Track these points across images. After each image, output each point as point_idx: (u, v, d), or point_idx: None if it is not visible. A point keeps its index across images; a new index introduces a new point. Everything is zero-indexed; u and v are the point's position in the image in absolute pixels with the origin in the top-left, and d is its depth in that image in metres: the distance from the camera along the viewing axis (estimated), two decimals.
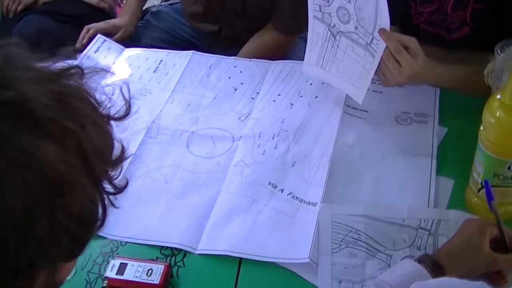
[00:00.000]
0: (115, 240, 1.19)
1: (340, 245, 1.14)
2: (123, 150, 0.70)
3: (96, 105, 0.67)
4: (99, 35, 1.72)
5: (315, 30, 1.39)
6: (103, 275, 1.10)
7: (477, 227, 1.03)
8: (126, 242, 1.18)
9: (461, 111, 1.39)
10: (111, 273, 1.09)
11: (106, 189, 0.68)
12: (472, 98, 1.30)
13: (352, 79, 1.37)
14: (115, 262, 1.11)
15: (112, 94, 0.70)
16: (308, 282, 1.09)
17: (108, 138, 0.68)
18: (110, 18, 2.02)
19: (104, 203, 0.67)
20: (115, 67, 1.61)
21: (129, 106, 0.73)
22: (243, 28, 1.83)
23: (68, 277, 1.10)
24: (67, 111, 0.61)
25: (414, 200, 1.21)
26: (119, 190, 0.71)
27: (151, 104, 1.49)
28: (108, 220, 1.13)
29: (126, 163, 0.71)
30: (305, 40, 1.93)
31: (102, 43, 1.69)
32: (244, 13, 1.81)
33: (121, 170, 0.70)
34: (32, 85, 0.59)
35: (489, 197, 1.05)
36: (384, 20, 1.25)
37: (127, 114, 0.72)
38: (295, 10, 1.70)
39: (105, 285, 1.09)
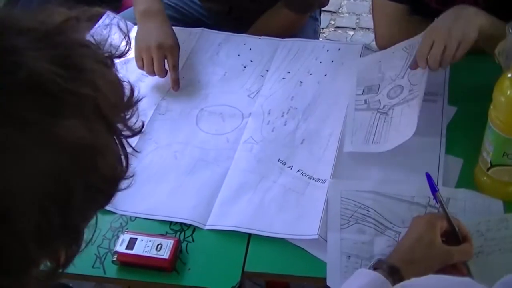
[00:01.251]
0: (125, 215, 1.19)
1: (349, 221, 1.15)
2: (132, 90, 0.70)
3: (99, 50, 0.66)
4: (108, 11, 1.71)
5: (357, 119, 1.34)
6: (113, 249, 1.11)
7: (426, 223, 1.03)
8: (136, 217, 1.19)
9: (470, 90, 1.38)
10: (120, 247, 1.10)
11: (123, 133, 0.68)
12: (482, 77, 1.29)
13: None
14: (125, 237, 1.12)
15: (109, 31, 0.69)
16: (317, 258, 1.10)
17: (118, 85, 0.67)
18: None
19: (125, 149, 0.68)
20: (124, 43, 1.60)
21: (128, 39, 0.72)
22: (254, 9, 1.81)
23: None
24: (78, 75, 0.60)
25: (423, 178, 1.21)
26: (135, 132, 0.71)
27: (160, 80, 1.48)
28: (118, 195, 1.14)
29: (138, 105, 0.70)
30: (313, 18, 1.93)
31: (112, 19, 1.69)
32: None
33: (133, 111, 0.70)
34: (37, 52, 0.58)
35: (433, 189, 1.07)
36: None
37: (127, 49, 0.72)
38: None
39: (114, 259, 1.10)
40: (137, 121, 0.70)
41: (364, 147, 1.28)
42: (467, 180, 1.21)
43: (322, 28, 3.00)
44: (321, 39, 2.62)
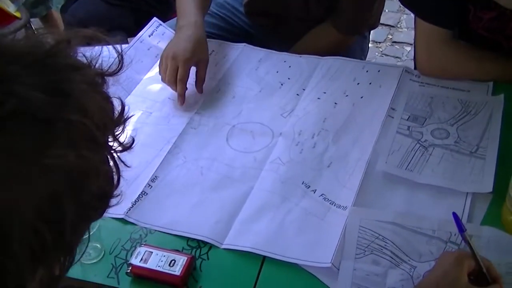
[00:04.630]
0: (145, 228, 1.22)
1: (365, 251, 1.13)
2: (122, 106, 0.71)
3: (90, 70, 0.67)
4: (155, 18, 1.75)
5: (396, 142, 1.34)
6: (129, 261, 1.14)
7: (454, 259, 1.00)
8: (155, 230, 1.21)
9: (502, 125, 1.35)
10: (135, 260, 1.12)
11: (115, 148, 0.70)
12: None
13: (461, 177, 1.26)
14: (141, 250, 1.14)
15: (101, 51, 0.71)
16: (327, 286, 1.09)
17: (107, 105, 0.69)
18: (165, 5, 2.02)
19: (117, 165, 0.70)
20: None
21: (122, 58, 0.73)
22: (301, 26, 1.81)
23: (95, 260, 1.15)
24: (67, 101, 0.62)
25: (448, 212, 1.17)
26: (126, 147, 0.72)
27: (196, 94, 1.50)
28: (141, 207, 1.16)
29: (128, 121, 0.72)
30: (362, 36, 1.91)
31: (157, 27, 1.72)
32: (306, 18, 1.79)
33: (124, 127, 0.72)
34: (28, 79, 0.60)
35: (460, 229, 1.04)
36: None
37: (120, 67, 0.73)
38: (358, 10, 1.68)
39: (128, 271, 1.12)
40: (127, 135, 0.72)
41: (397, 170, 1.27)
42: (494, 217, 1.17)
43: (379, 42, 2.97)
44: (376, 53, 2.59)
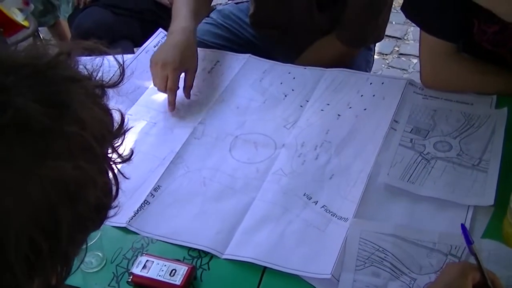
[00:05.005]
0: (147, 237, 1.22)
1: (365, 263, 1.13)
2: (122, 118, 0.72)
3: (89, 82, 0.68)
4: (160, 29, 1.76)
5: (399, 154, 1.34)
6: (130, 270, 1.14)
7: (458, 270, 1.00)
8: (157, 239, 1.22)
9: (505, 138, 1.35)
10: (136, 269, 1.13)
11: (113, 160, 0.71)
12: None
13: (463, 190, 1.26)
14: (142, 259, 1.14)
15: (102, 62, 0.71)
16: None
17: (106, 117, 0.69)
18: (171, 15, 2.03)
19: (116, 176, 0.71)
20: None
21: (123, 69, 0.74)
22: (306, 37, 1.81)
23: (96, 269, 1.15)
24: (65, 112, 0.62)
25: (449, 224, 1.18)
26: (125, 159, 0.73)
27: (200, 104, 1.51)
28: (143, 216, 1.16)
29: (128, 133, 0.72)
30: (367, 48, 1.92)
31: (163, 38, 1.73)
32: (311, 28, 1.80)
33: (123, 139, 0.72)
34: (26, 90, 0.60)
35: (468, 241, 1.03)
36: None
37: (121, 79, 0.74)
38: (362, 22, 1.68)
39: (129, 280, 1.13)
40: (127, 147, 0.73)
41: (399, 182, 1.27)
42: (495, 230, 1.17)
43: (386, 54, 2.98)
44: (383, 65, 2.59)
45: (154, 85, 1.52)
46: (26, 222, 0.59)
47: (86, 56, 0.71)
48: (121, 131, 0.71)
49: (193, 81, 1.55)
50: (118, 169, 0.72)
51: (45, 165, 0.60)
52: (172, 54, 1.50)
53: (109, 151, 0.70)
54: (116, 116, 0.71)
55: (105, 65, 0.71)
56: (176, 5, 1.63)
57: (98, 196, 0.67)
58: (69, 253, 0.67)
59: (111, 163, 0.70)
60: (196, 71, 1.55)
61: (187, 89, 1.54)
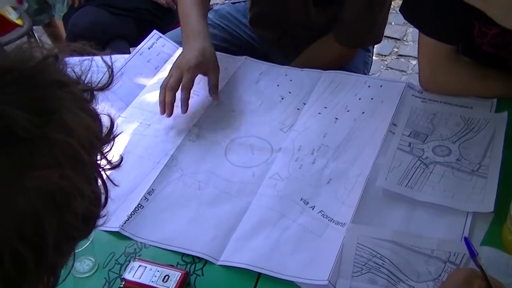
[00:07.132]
0: (140, 242, 1.20)
1: (362, 269, 1.11)
2: (111, 123, 0.70)
3: (77, 86, 0.66)
4: (155, 31, 1.74)
5: (397, 158, 1.32)
6: (122, 275, 1.12)
7: (463, 277, 0.98)
8: (150, 245, 1.19)
9: (505, 143, 1.33)
10: (129, 275, 1.10)
11: (102, 166, 0.69)
12: None
13: (462, 196, 1.23)
14: (135, 264, 1.12)
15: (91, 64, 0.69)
16: None
17: (94, 123, 0.67)
18: (168, 14, 2.01)
19: (105, 183, 0.69)
20: (167, 65, 1.62)
21: (112, 72, 0.72)
22: (305, 38, 1.79)
23: (88, 274, 1.13)
24: (51, 119, 0.60)
25: (448, 231, 1.16)
26: (114, 165, 0.71)
27: (195, 106, 1.49)
28: (137, 221, 1.14)
29: (117, 138, 0.70)
30: (365, 49, 1.90)
31: (157, 39, 1.71)
32: (307, 25, 1.77)
33: (112, 145, 0.70)
34: (12, 96, 0.59)
35: (472, 253, 1.01)
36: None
37: (110, 81, 0.72)
38: (361, 23, 1.66)
39: (121, 286, 1.10)
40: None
41: (397, 187, 1.25)
42: (494, 237, 1.15)
43: (384, 55, 2.96)
44: (381, 66, 2.57)
45: (163, 87, 1.47)
46: (10, 233, 0.57)
47: (77, 56, 0.68)
48: (110, 136, 0.69)
49: (217, 80, 1.51)
50: (108, 176, 0.69)
51: (31, 175, 0.58)
52: (187, 56, 1.48)
53: (98, 157, 0.68)
54: (105, 121, 0.69)
55: (94, 66, 0.69)
56: (183, 9, 1.61)
57: (85, 206, 0.64)
58: (56, 264, 0.65)
59: (100, 170, 0.68)
60: (218, 70, 1.52)
61: (214, 89, 1.50)
